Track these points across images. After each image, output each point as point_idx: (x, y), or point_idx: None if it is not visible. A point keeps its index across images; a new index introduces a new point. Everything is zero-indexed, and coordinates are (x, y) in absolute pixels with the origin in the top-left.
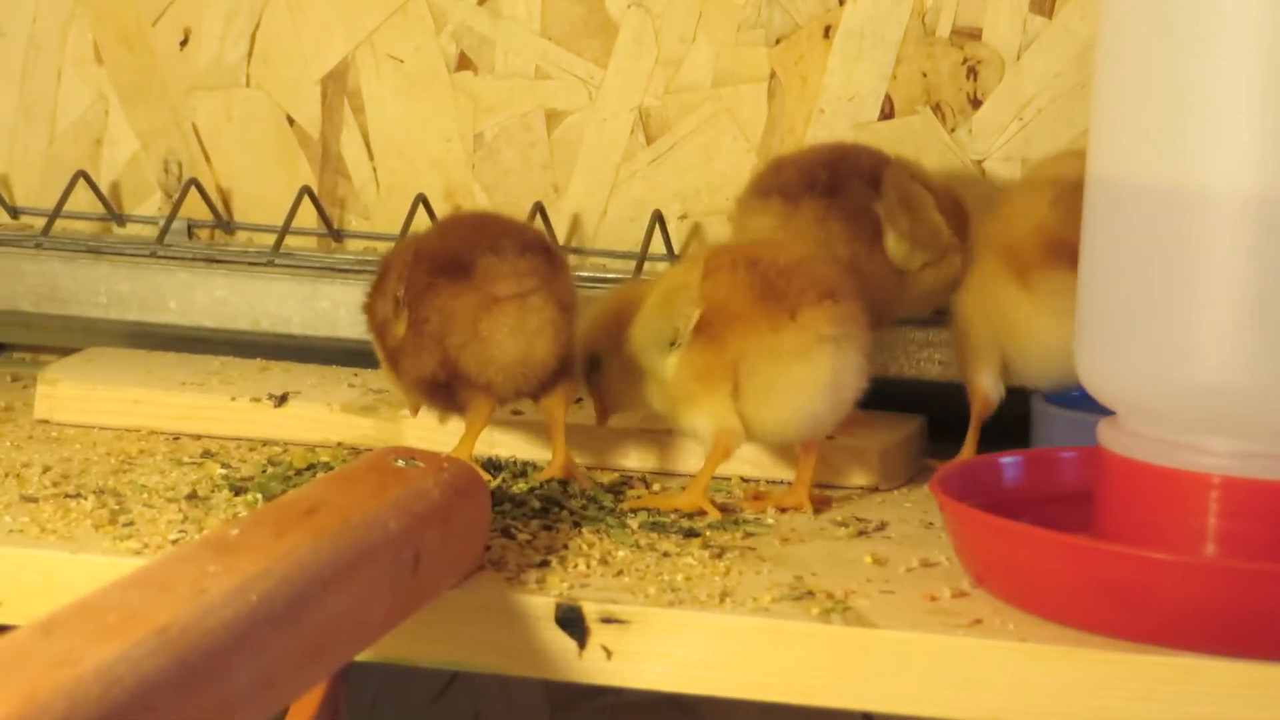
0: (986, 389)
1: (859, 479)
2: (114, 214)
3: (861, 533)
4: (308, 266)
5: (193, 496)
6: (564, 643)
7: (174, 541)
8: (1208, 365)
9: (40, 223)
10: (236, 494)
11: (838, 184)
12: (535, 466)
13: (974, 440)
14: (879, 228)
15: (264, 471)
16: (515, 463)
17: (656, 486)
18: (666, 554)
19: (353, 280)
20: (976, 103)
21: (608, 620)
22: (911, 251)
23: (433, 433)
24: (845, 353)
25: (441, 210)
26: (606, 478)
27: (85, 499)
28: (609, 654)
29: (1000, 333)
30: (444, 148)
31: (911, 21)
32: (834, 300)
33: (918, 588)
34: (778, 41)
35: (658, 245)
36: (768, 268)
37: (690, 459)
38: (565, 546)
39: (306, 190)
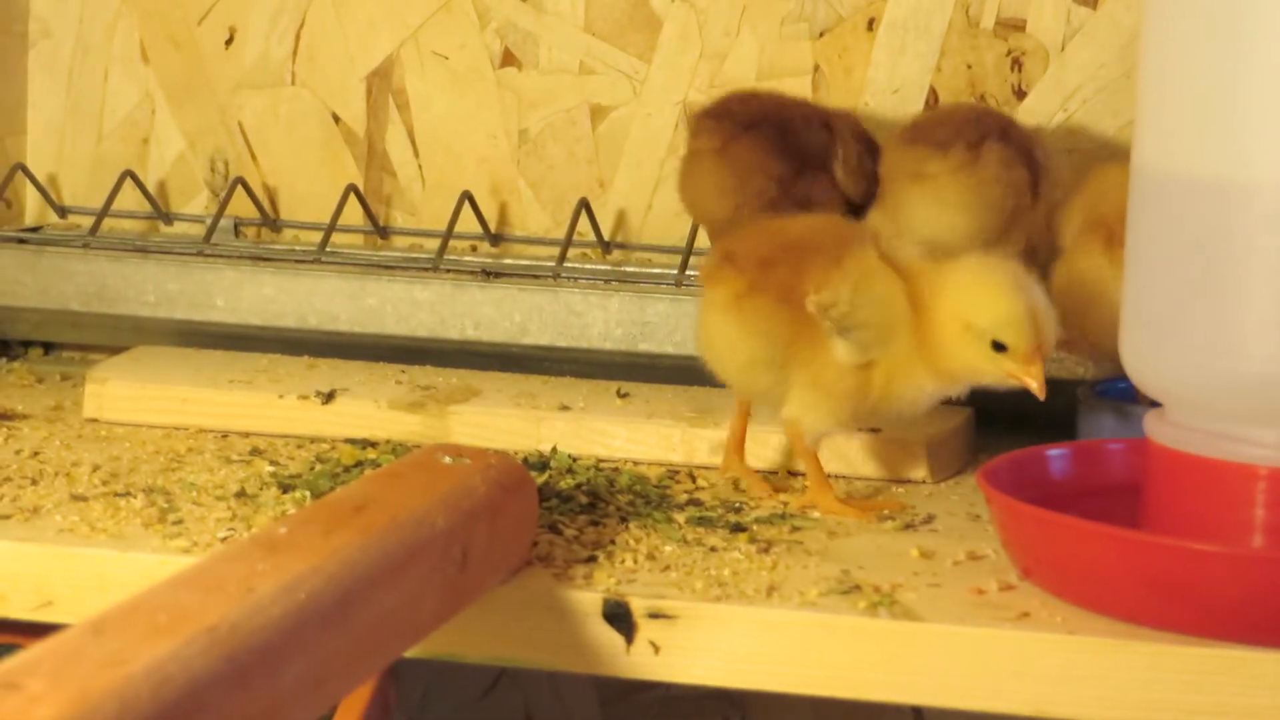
0: None
1: (906, 472)
2: (161, 213)
3: (908, 526)
4: (354, 264)
5: (241, 494)
6: (611, 638)
7: (223, 540)
8: (1254, 356)
9: (88, 222)
10: (285, 492)
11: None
12: (580, 461)
13: None
14: None
15: (312, 469)
16: (562, 457)
17: (701, 482)
18: (713, 549)
19: (399, 277)
20: (1021, 94)
21: (655, 615)
22: None
23: (480, 430)
24: None
25: (487, 207)
26: (653, 472)
27: (134, 497)
28: (656, 649)
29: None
30: (489, 144)
31: (955, 13)
32: None
33: (965, 581)
34: (821, 34)
35: (703, 240)
36: None
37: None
38: (612, 542)
39: (352, 188)
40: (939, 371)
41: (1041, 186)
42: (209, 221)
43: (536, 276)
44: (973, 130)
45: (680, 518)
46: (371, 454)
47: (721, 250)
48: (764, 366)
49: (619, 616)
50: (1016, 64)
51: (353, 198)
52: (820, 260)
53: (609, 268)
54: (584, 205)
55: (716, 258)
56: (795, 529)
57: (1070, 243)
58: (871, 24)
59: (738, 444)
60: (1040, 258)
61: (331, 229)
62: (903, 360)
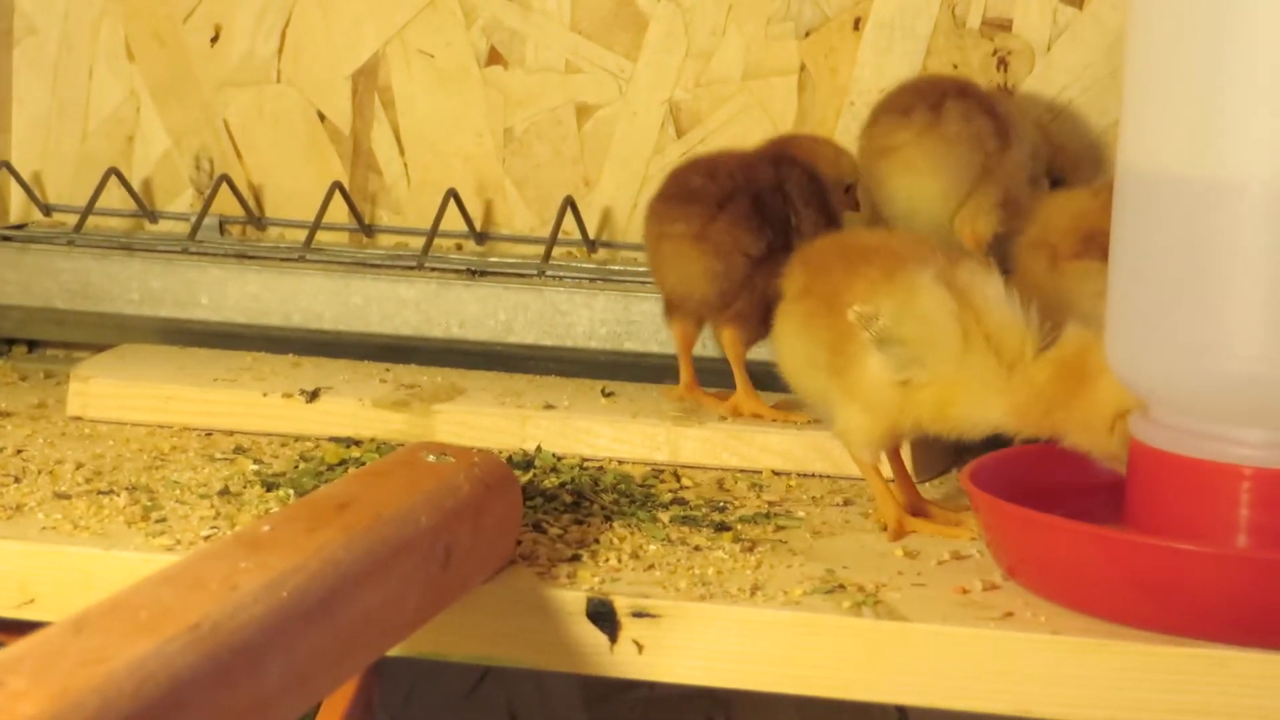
0: None
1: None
2: (146, 211)
3: None
4: (339, 262)
5: (225, 493)
6: (595, 637)
7: (206, 538)
8: (1238, 356)
9: (73, 220)
10: (268, 490)
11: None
12: (564, 459)
13: None
14: None
15: (296, 467)
16: (547, 456)
17: (685, 481)
18: (698, 548)
19: (384, 275)
20: (1007, 94)
21: (639, 614)
22: None
23: (465, 428)
24: None
25: (472, 205)
26: (638, 471)
27: (118, 495)
28: (640, 648)
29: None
30: (475, 142)
31: (941, 13)
32: None
33: (949, 581)
34: (807, 34)
35: None
36: None
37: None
38: (596, 540)
39: (338, 186)
40: (1050, 425)
41: (1009, 136)
42: (194, 219)
43: (522, 275)
44: (932, 93)
45: (664, 517)
46: (355, 452)
47: (798, 255)
48: (811, 368)
49: (603, 615)
50: (1002, 64)
51: (338, 196)
52: (870, 272)
53: (594, 266)
54: (569, 204)
55: (792, 261)
56: (779, 528)
57: (1020, 261)
58: (858, 24)
59: (894, 494)
60: (1022, 209)
61: (316, 227)
62: (962, 389)
